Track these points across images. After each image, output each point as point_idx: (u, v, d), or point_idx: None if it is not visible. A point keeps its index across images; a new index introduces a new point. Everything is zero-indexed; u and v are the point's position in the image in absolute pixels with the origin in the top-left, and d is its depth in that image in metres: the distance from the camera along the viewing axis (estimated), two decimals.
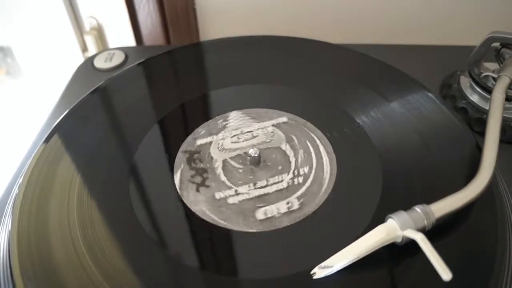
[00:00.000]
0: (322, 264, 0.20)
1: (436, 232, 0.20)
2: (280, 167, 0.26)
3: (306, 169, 0.26)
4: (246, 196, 0.25)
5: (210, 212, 0.24)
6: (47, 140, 0.28)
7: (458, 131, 0.27)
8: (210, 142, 0.28)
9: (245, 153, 0.27)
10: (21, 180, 0.26)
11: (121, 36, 0.54)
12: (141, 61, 0.35)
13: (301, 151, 0.27)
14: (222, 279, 0.21)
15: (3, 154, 0.58)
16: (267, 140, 0.28)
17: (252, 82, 0.33)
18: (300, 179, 0.25)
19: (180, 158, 0.27)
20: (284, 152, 0.27)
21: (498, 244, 0.21)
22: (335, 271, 0.20)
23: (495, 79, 0.30)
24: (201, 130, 0.29)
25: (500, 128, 0.25)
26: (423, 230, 0.20)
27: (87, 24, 0.54)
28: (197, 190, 0.25)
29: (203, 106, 0.32)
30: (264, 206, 0.24)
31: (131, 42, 0.53)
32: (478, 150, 0.26)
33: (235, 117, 0.30)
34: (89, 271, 0.21)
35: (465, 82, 0.34)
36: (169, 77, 0.34)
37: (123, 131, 0.30)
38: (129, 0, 0.49)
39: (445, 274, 0.17)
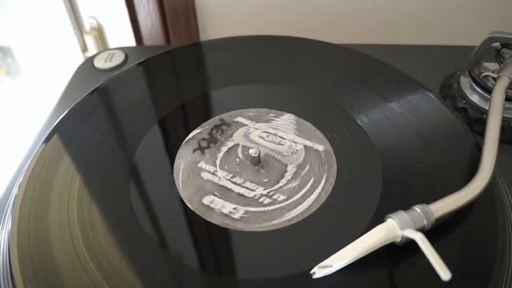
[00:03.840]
0: (322, 263, 0.20)
1: (436, 232, 0.20)
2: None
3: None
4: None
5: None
6: (47, 140, 0.28)
7: (458, 131, 0.27)
8: (245, 125, 0.29)
9: (249, 150, 0.27)
10: (21, 180, 0.26)
11: (121, 36, 0.54)
12: (141, 61, 0.35)
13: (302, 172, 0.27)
14: (222, 279, 0.21)
15: (3, 154, 0.58)
16: (285, 154, 0.27)
17: (252, 82, 0.33)
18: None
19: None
20: (286, 167, 0.27)
21: (498, 244, 0.21)
22: (334, 270, 0.20)
23: (495, 79, 0.30)
24: (250, 113, 0.30)
25: (500, 128, 0.25)
26: (422, 230, 0.20)
27: (87, 24, 0.54)
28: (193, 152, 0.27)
29: (203, 106, 0.32)
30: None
31: (131, 42, 0.53)
32: (478, 150, 0.26)
33: (285, 119, 0.30)
34: (89, 271, 0.21)
35: (465, 82, 0.34)
36: (169, 77, 0.34)
37: (123, 131, 0.30)
38: (129, 0, 0.49)
39: (444, 274, 0.17)
